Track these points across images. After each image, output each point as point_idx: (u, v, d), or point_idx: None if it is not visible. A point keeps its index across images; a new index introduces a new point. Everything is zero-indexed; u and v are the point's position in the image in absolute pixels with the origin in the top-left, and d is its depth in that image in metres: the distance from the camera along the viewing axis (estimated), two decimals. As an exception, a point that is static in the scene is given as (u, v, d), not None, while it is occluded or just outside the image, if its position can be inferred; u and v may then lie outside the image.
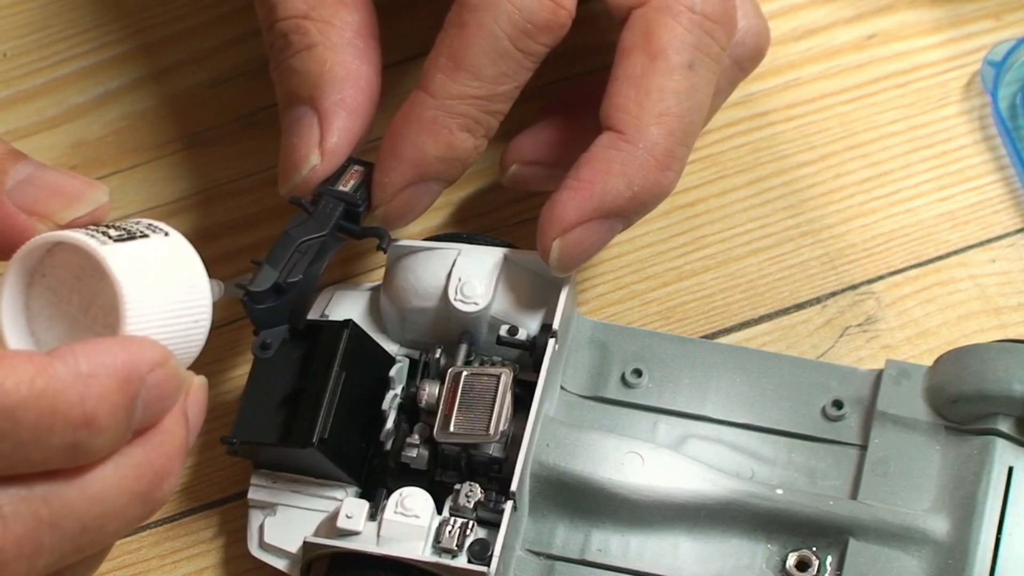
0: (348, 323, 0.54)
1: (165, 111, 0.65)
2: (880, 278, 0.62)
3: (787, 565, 0.53)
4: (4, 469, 0.42)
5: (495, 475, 0.53)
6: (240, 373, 0.60)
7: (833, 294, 0.61)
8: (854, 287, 0.61)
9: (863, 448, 0.54)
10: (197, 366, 0.60)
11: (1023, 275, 0.61)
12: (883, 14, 0.67)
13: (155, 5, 0.66)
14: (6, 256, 0.47)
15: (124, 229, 0.47)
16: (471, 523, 0.52)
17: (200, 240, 0.62)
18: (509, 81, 0.52)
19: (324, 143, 0.54)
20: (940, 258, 0.62)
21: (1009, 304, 0.61)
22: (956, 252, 0.62)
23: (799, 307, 0.61)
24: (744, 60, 0.56)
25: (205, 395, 0.48)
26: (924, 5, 0.67)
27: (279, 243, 0.52)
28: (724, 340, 0.60)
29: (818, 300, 0.61)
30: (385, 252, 0.55)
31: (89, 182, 0.48)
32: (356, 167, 0.55)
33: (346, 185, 0.54)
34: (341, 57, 0.54)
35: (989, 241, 0.62)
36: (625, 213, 0.53)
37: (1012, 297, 0.61)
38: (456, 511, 0.52)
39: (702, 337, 0.60)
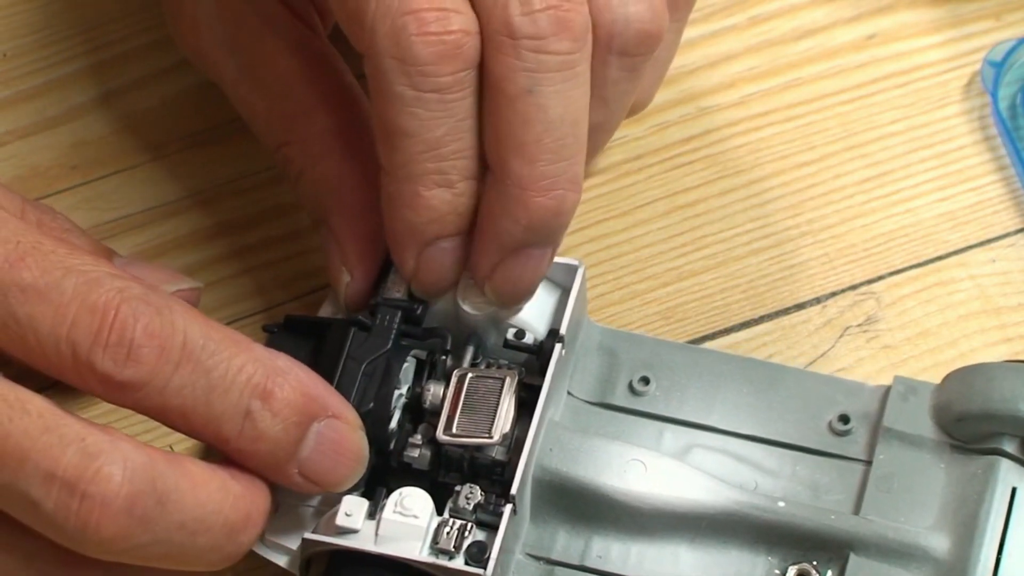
0: (355, 321, 0.54)
1: (165, 111, 0.65)
2: (880, 278, 0.62)
3: (787, 578, 0.53)
4: (190, 404, 0.46)
5: (498, 478, 0.53)
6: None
7: (833, 294, 0.61)
8: (854, 287, 0.61)
9: (868, 463, 0.54)
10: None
11: (1023, 275, 0.61)
12: (883, 14, 0.67)
13: (156, 5, 0.66)
14: None
15: None
16: (470, 525, 0.52)
17: (200, 240, 0.63)
18: (441, 123, 0.50)
19: (347, 258, 0.54)
20: (940, 258, 0.62)
21: (1009, 304, 0.61)
22: (956, 252, 0.62)
23: (799, 307, 0.61)
24: (629, 47, 0.53)
25: None
26: (924, 5, 0.67)
27: (344, 373, 0.51)
28: (724, 340, 0.60)
29: (818, 300, 0.61)
30: (448, 353, 0.54)
31: (177, 273, 0.53)
32: None
33: (396, 286, 0.54)
34: (331, 167, 0.55)
35: (989, 241, 0.62)
36: (530, 243, 0.51)
37: (1012, 297, 0.61)
38: (456, 513, 0.52)
39: (702, 337, 0.60)
